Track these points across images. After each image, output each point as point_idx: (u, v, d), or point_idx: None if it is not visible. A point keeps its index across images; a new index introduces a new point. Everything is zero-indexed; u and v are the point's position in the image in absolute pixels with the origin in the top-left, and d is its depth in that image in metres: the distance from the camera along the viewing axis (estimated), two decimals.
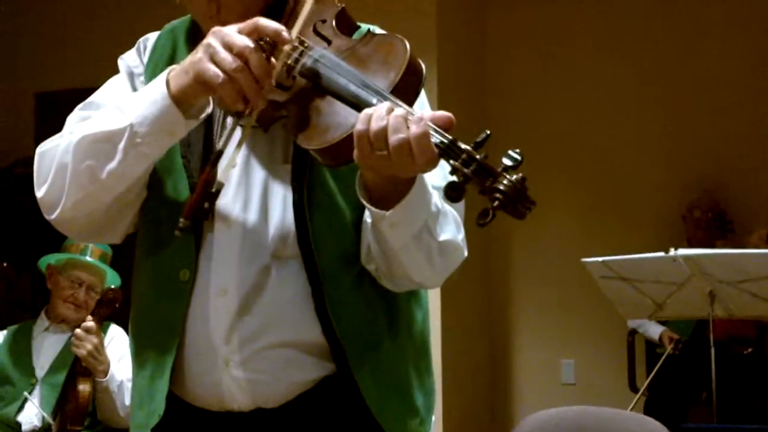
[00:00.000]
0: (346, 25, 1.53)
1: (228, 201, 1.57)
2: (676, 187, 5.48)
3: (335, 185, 1.57)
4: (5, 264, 5.48)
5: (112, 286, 3.52)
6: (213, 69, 1.40)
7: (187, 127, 1.49)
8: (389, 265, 1.54)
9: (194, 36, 1.66)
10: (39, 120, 6.05)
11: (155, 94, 1.47)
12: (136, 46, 1.74)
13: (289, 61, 1.47)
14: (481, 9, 5.97)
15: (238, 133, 1.48)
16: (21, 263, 5.47)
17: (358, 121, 1.35)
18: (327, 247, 1.55)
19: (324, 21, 1.51)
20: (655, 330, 5.03)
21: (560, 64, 5.83)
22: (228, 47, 1.41)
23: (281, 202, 1.57)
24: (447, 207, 1.55)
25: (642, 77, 5.68)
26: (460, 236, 1.59)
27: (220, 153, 1.45)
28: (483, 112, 5.82)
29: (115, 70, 1.74)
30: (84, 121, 1.59)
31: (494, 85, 5.94)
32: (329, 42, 1.49)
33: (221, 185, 1.44)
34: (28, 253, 5.27)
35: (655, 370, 4.57)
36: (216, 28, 1.45)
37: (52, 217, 1.59)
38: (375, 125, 1.33)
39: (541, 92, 5.86)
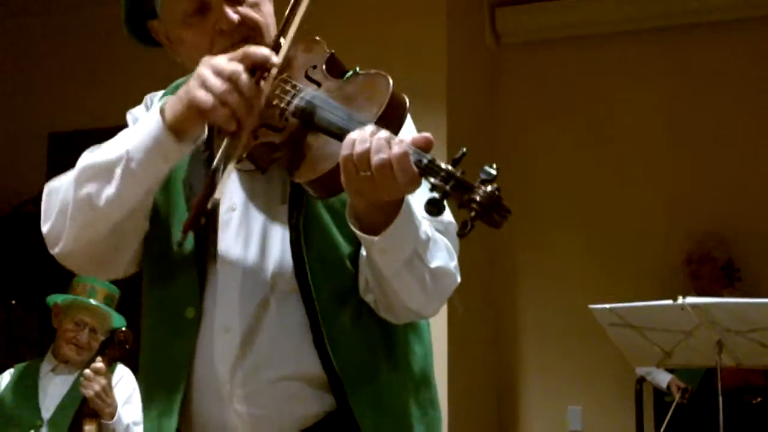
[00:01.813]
0: (336, 69, 1.60)
1: (230, 241, 1.63)
2: (684, 235, 5.47)
3: (331, 221, 1.62)
4: (13, 302, 5.49)
5: (123, 328, 3.53)
6: (204, 94, 1.46)
7: (180, 151, 1.54)
8: (385, 294, 1.58)
9: None
10: (51, 160, 6.08)
11: (150, 123, 1.53)
12: (143, 101, 1.80)
13: (282, 104, 1.53)
14: (492, 62, 6.02)
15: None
16: (29, 301, 5.48)
17: (342, 146, 1.41)
18: (324, 282, 1.60)
19: (315, 67, 1.60)
20: (663, 378, 5.01)
21: (567, 114, 5.86)
22: (218, 73, 1.47)
23: (280, 240, 1.62)
24: (438, 235, 1.60)
25: (648, 126, 5.72)
26: (453, 263, 1.62)
27: (215, 171, 1.51)
28: (492, 160, 5.80)
29: (128, 111, 1.79)
30: (86, 156, 1.63)
31: (503, 135, 5.97)
32: (319, 84, 1.57)
33: (217, 202, 1.50)
34: (36, 291, 5.29)
35: (666, 421, 4.53)
36: (206, 58, 1.51)
37: (55, 251, 1.63)
38: (358, 147, 1.39)
39: (549, 140, 5.88)
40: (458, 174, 1.34)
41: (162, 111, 1.52)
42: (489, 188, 1.32)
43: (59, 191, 1.61)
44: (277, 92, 1.55)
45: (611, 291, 4.95)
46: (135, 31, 1.75)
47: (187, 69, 1.72)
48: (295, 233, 1.60)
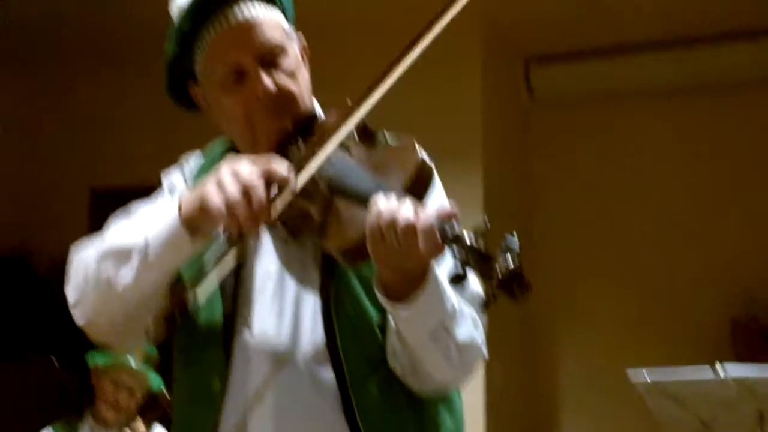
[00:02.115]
0: (367, 136, 1.66)
1: (265, 309, 1.67)
2: (724, 299, 5.40)
3: (362, 289, 1.64)
4: (52, 357, 5.52)
5: (161, 388, 3.56)
6: (215, 199, 1.49)
7: (194, 246, 1.57)
8: (411, 364, 1.60)
9: (230, 153, 1.78)
10: (93, 215, 6.15)
11: (169, 215, 1.57)
12: (178, 162, 1.87)
13: (315, 172, 1.57)
14: (527, 120, 6.03)
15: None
16: (68, 358, 5.51)
17: (369, 213, 1.44)
18: (354, 352, 1.62)
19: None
20: None
21: (604, 172, 5.84)
22: (235, 176, 1.49)
23: (311, 309, 1.65)
24: (465, 307, 1.60)
25: (688, 187, 5.67)
26: (479, 336, 1.63)
27: (201, 270, 1.55)
28: (529, 223, 5.84)
29: (162, 172, 1.84)
30: (111, 232, 1.68)
31: (539, 193, 5.97)
32: (350, 152, 1.62)
33: (197, 307, 1.54)
34: (75, 347, 5.32)
35: None
36: (231, 159, 1.55)
37: (80, 322, 1.69)
38: (385, 218, 1.42)
39: (585, 199, 5.86)
40: (480, 246, 1.36)
41: (180, 205, 1.56)
42: (510, 261, 1.32)
43: (82, 261, 1.66)
44: (309, 157, 1.58)
45: (650, 354, 4.89)
46: (175, 94, 1.81)
47: (224, 132, 1.77)
48: (327, 302, 1.63)
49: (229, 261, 1.57)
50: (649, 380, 3.74)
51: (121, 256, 1.60)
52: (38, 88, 6.39)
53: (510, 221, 5.52)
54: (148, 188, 1.84)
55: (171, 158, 1.89)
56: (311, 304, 1.66)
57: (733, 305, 5.33)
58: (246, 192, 1.48)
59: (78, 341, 1.78)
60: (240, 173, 1.50)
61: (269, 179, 1.51)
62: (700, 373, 3.63)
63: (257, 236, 1.57)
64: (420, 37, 1.50)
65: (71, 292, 1.68)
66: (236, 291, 1.68)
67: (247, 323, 1.67)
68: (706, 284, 5.55)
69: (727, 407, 3.63)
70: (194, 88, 1.78)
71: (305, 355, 1.64)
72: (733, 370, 3.61)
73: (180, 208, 1.56)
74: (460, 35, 5.23)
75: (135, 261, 1.58)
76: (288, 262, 1.70)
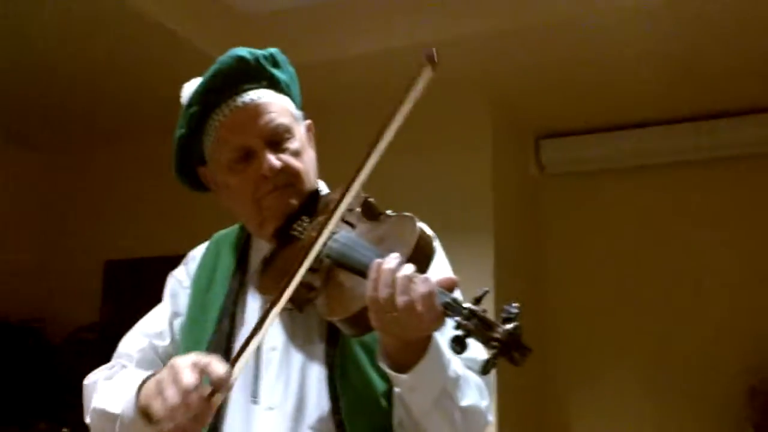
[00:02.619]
0: (370, 212, 1.69)
1: (270, 381, 1.70)
2: (743, 367, 5.34)
3: (367, 360, 1.66)
4: (64, 430, 5.53)
5: None
6: (157, 404, 1.53)
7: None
8: None
9: (237, 242, 1.86)
10: (106, 286, 6.21)
11: (131, 395, 1.65)
12: (184, 260, 1.93)
13: (320, 247, 1.60)
14: (537, 192, 6.09)
15: None
16: (79, 427, 5.52)
17: (367, 287, 1.46)
18: (359, 421, 1.64)
19: (351, 210, 1.68)
20: None
21: (615, 244, 5.86)
22: (175, 382, 1.51)
23: (317, 379, 1.68)
24: (469, 373, 1.62)
25: (698, 257, 5.67)
26: (484, 403, 1.65)
27: None
28: (541, 293, 5.85)
29: (180, 244, 1.91)
30: (114, 374, 1.81)
31: (549, 265, 5.99)
32: (353, 226, 1.67)
33: None
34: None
35: None
36: (172, 361, 1.56)
37: None
38: (383, 290, 1.44)
39: (596, 271, 5.86)
40: (480, 312, 1.39)
41: (141, 387, 1.64)
42: (509, 326, 1.35)
43: (89, 395, 1.80)
44: (314, 234, 1.62)
45: (666, 422, 4.86)
46: (185, 176, 1.88)
47: (232, 212, 1.84)
48: (332, 372, 1.66)
49: None
50: None
51: (107, 420, 1.70)
52: (52, 165, 6.50)
53: (520, 293, 5.54)
54: (159, 259, 1.91)
55: (179, 232, 1.96)
56: (316, 374, 1.69)
57: (751, 373, 5.29)
58: (184, 396, 1.49)
59: None
60: (178, 378, 1.51)
61: (205, 375, 1.53)
62: None
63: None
64: (393, 114, 1.53)
65: (87, 418, 1.81)
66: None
67: (254, 394, 1.70)
68: (724, 352, 5.48)
69: None
70: (203, 170, 1.84)
71: (311, 425, 1.66)
72: None
73: (138, 394, 1.64)
74: (472, 114, 5.35)
75: (117, 428, 1.68)
76: (294, 334, 1.73)
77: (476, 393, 1.63)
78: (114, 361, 1.85)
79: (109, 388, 1.75)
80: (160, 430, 1.53)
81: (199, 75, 1.84)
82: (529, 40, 4.75)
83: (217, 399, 1.51)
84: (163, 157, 2.10)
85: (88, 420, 1.79)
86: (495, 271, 5.11)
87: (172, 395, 1.49)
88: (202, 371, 1.51)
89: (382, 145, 1.52)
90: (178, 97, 1.86)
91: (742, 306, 5.53)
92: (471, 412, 1.61)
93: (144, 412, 1.60)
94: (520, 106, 5.59)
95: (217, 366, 1.51)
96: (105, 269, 6.26)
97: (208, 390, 1.49)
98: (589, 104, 5.58)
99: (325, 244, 1.61)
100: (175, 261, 1.99)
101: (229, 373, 1.51)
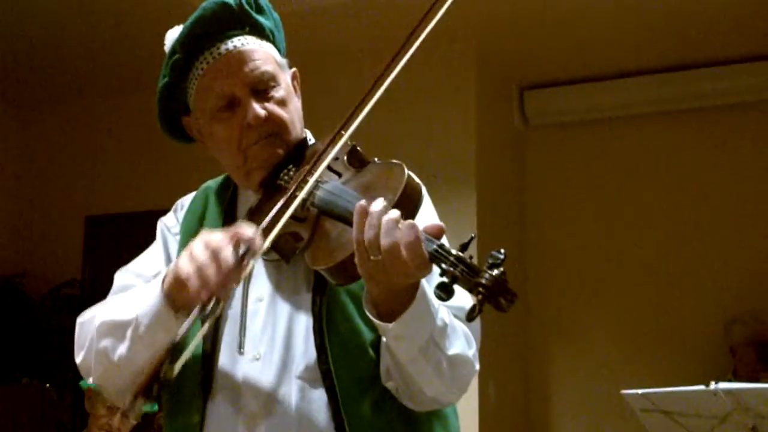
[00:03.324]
0: (357, 160, 1.66)
1: (256, 332, 1.69)
2: (720, 316, 5.39)
3: (354, 309, 1.65)
4: (47, 384, 5.52)
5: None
6: (187, 267, 1.51)
7: (179, 324, 1.58)
8: (404, 381, 1.60)
9: (224, 191, 1.84)
10: (87, 242, 6.18)
11: (155, 290, 1.60)
12: (173, 207, 1.90)
13: (304, 195, 1.58)
14: (521, 143, 6.08)
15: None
16: (62, 384, 5.51)
17: (353, 230, 1.44)
18: (346, 370, 1.63)
19: (336, 159, 1.66)
20: None
21: (596, 195, 5.89)
22: (205, 244, 1.51)
23: (304, 329, 1.67)
24: (456, 322, 1.62)
25: (679, 207, 5.71)
26: (471, 351, 1.64)
27: (176, 345, 1.55)
28: (523, 245, 5.86)
29: (162, 199, 1.87)
30: (112, 299, 1.75)
31: (531, 216, 6.01)
32: (340, 175, 1.64)
33: (170, 379, 1.52)
34: (70, 373, 5.32)
35: None
36: (202, 232, 1.57)
37: (89, 381, 1.74)
38: (368, 231, 1.42)
39: (577, 221, 5.90)
40: (467, 259, 1.36)
41: (163, 280, 1.59)
42: (495, 272, 1.33)
43: (87, 329, 1.72)
44: (300, 184, 1.60)
45: (646, 376, 4.90)
46: (168, 125, 1.84)
47: (218, 161, 1.80)
48: (318, 321, 1.64)
49: (205, 330, 1.57)
50: (642, 395, 3.75)
51: (116, 331, 1.64)
52: (30, 120, 6.43)
53: (504, 244, 5.53)
54: (141, 213, 1.87)
55: (161, 186, 1.92)
56: (303, 323, 1.67)
57: (730, 323, 5.32)
58: (215, 256, 1.49)
59: (72, 366, 1.81)
60: (209, 241, 1.51)
61: (237, 242, 1.52)
62: (695, 391, 3.65)
63: (226, 298, 1.57)
64: (394, 60, 1.50)
65: (79, 357, 1.74)
66: (217, 325, 1.70)
67: (240, 344, 1.68)
68: (703, 304, 5.55)
69: (721, 421, 3.65)
70: (187, 120, 1.81)
71: (297, 375, 1.65)
72: (725, 386, 3.63)
73: (163, 284, 1.59)
74: (456, 65, 5.31)
75: (128, 337, 1.62)
76: (279, 285, 1.71)
77: (463, 341, 1.62)
78: (110, 297, 1.81)
79: (116, 303, 1.71)
80: (187, 303, 1.52)
81: (178, 25, 1.79)
82: None
83: (248, 261, 1.50)
84: (143, 111, 2.07)
85: (79, 359, 1.73)
86: (478, 223, 5.11)
87: (200, 254, 1.49)
88: (230, 236, 1.51)
89: (377, 93, 1.49)
90: (158, 49, 1.81)
91: (724, 256, 5.58)
92: (458, 361, 1.60)
93: (168, 297, 1.57)
94: (505, 58, 5.58)
95: (246, 228, 1.52)
96: (86, 225, 6.23)
97: (240, 250, 1.48)
98: (574, 55, 5.58)
99: (311, 192, 1.59)
100: (156, 216, 1.95)
101: (258, 234, 1.50)
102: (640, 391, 3.76)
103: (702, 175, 5.72)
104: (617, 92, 5.78)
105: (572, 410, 5.75)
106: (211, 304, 1.50)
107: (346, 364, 1.63)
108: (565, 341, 5.82)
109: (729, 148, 5.69)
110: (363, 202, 1.45)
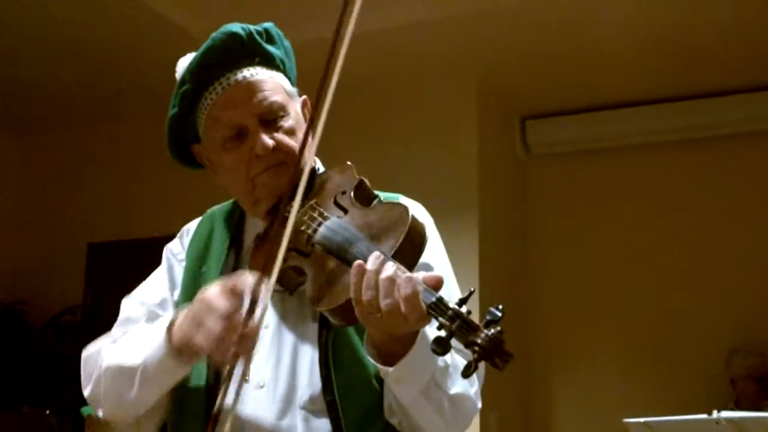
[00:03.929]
0: (364, 195, 1.66)
1: (261, 359, 1.68)
2: (723, 346, 5.39)
3: (359, 341, 1.64)
4: (47, 412, 5.51)
5: None
6: (201, 340, 1.52)
7: (185, 370, 1.62)
8: (407, 419, 1.60)
9: (231, 217, 1.85)
10: (90, 270, 6.18)
11: (160, 340, 1.61)
12: (179, 233, 1.90)
13: (308, 231, 1.59)
14: (523, 173, 6.12)
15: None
16: (63, 410, 5.50)
17: (351, 289, 1.44)
18: (351, 402, 1.63)
19: (344, 192, 1.66)
20: None
21: (598, 223, 5.91)
22: (210, 310, 1.52)
23: (309, 359, 1.67)
24: (458, 360, 1.61)
25: (681, 236, 5.73)
26: (473, 389, 1.64)
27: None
28: (525, 274, 5.86)
29: (164, 226, 1.87)
30: (120, 337, 1.76)
31: (533, 245, 6.02)
32: (346, 211, 1.63)
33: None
34: (70, 400, 5.31)
35: None
36: (200, 295, 1.57)
37: (99, 413, 1.76)
38: (365, 292, 1.42)
39: (579, 250, 5.91)
40: (464, 315, 1.35)
41: (171, 328, 1.60)
42: (492, 331, 1.32)
43: (93, 364, 1.74)
44: (305, 218, 1.61)
45: (648, 405, 4.88)
46: (179, 154, 1.85)
47: (221, 188, 1.81)
48: (324, 353, 1.64)
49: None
50: (644, 423, 3.74)
51: (124, 375, 1.66)
52: (33, 147, 6.46)
53: (506, 273, 5.55)
54: (143, 240, 1.87)
55: (163, 213, 1.92)
56: (309, 354, 1.67)
57: (732, 352, 5.31)
58: (228, 325, 1.50)
59: (73, 393, 1.83)
60: (215, 307, 1.52)
61: (241, 295, 1.52)
62: (698, 420, 3.64)
63: (252, 353, 1.56)
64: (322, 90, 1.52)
65: (86, 390, 1.76)
66: None
67: (245, 374, 1.68)
68: (705, 334, 5.54)
69: None
70: (197, 148, 1.82)
71: (302, 406, 1.65)
72: (728, 415, 3.62)
73: (170, 337, 1.60)
74: (458, 96, 5.34)
75: (136, 383, 1.64)
76: (285, 315, 1.71)
77: (466, 380, 1.59)
78: (116, 329, 1.81)
79: (123, 346, 1.72)
80: (199, 357, 1.53)
81: (182, 56, 1.81)
82: (514, 22, 4.74)
83: (257, 310, 1.50)
84: (147, 138, 2.08)
85: (87, 392, 1.75)
86: (480, 252, 5.12)
87: (213, 325, 1.50)
88: (233, 292, 1.51)
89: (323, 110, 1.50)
90: (162, 76, 1.82)
91: (724, 286, 5.57)
92: (460, 399, 1.61)
93: (178, 352, 1.58)
94: (506, 88, 5.61)
95: (245, 278, 1.53)
96: (88, 252, 6.24)
97: (246, 306, 1.48)
98: (575, 85, 5.60)
99: (314, 229, 1.59)
100: (158, 242, 1.96)
101: (260, 279, 1.50)
102: (642, 420, 3.76)
103: (703, 205, 5.73)
104: (618, 122, 5.82)
105: None
106: (237, 362, 1.52)
107: (352, 397, 1.63)
108: (567, 370, 5.81)
109: (731, 178, 5.71)
110: (359, 261, 1.45)
